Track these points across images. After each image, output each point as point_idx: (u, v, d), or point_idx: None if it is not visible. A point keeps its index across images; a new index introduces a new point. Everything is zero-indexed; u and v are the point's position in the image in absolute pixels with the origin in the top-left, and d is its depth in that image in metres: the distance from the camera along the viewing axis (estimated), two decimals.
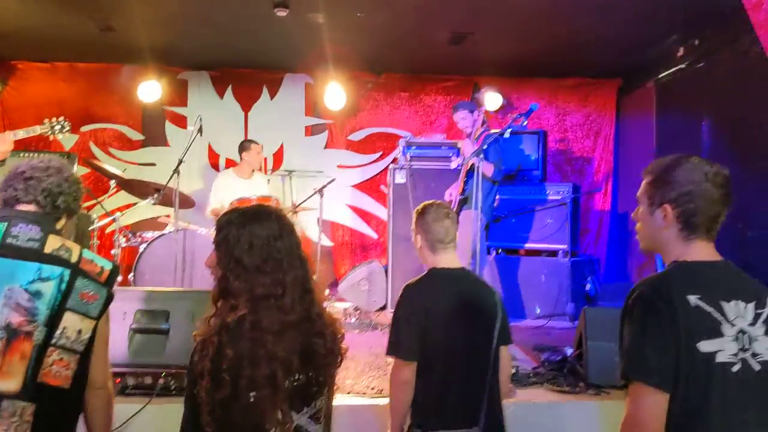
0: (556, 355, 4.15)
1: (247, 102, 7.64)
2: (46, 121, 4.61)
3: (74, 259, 2.00)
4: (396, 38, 6.34)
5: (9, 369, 1.86)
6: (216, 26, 6.06)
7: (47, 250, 1.97)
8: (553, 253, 6.47)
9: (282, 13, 5.45)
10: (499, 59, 6.94)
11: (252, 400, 1.74)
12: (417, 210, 2.77)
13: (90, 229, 6.05)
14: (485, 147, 4.86)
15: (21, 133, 4.41)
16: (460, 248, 5.30)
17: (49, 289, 1.93)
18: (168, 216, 6.29)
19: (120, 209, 6.67)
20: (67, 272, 1.96)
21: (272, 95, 7.67)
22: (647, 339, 1.66)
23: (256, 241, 1.85)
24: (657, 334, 1.65)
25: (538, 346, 4.69)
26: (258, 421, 1.75)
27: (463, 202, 5.43)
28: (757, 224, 4.84)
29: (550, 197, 6.55)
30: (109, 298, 2.06)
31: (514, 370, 3.80)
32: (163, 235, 5.39)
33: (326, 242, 7.59)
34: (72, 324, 1.95)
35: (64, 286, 1.95)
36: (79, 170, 6.43)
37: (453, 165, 5.90)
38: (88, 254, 2.05)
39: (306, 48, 6.60)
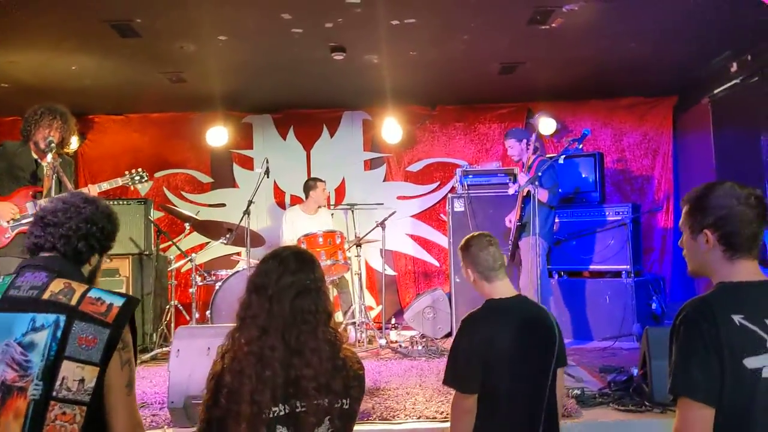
0: (622, 376, 4.19)
1: (308, 141, 7.97)
2: (126, 172, 4.94)
3: (74, 301, 1.84)
4: (448, 72, 6.56)
5: (4, 430, 1.73)
6: (278, 72, 6.42)
7: (45, 296, 1.84)
8: (617, 274, 6.48)
9: (339, 56, 5.76)
10: (551, 84, 7.07)
11: (244, 418, 1.90)
12: (460, 246, 2.82)
13: (168, 269, 6.44)
14: (539, 174, 4.97)
15: (105, 186, 4.70)
16: (523, 274, 5.43)
17: (42, 338, 1.78)
18: (239, 254, 6.62)
19: (194, 249, 7.07)
20: (62, 318, 1.81)
21: (332, 133, 7.98)
22: (692, 357, 1.76)
23: (255, 280, 2.08)
24: (701, 352, 1.75)
25: (605, 368, 4.73)
26: None
27: (522, 229, 5.53)
28: None
29: (610, 218, 6.58)
30: (113, 340, 1.84)
31: (579, 392, 3.87)
32: (236, 272, 5.68)
33: (390, 272, 7.78)
34: (71, 373, 1.78)
35: (59, 333, 1.79)
36: (154, 214, 6.85)
37: (510, 191, 6.04)
38: (95, 293, 1.89)
39: (363, 86, 6.90)
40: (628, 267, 6.37)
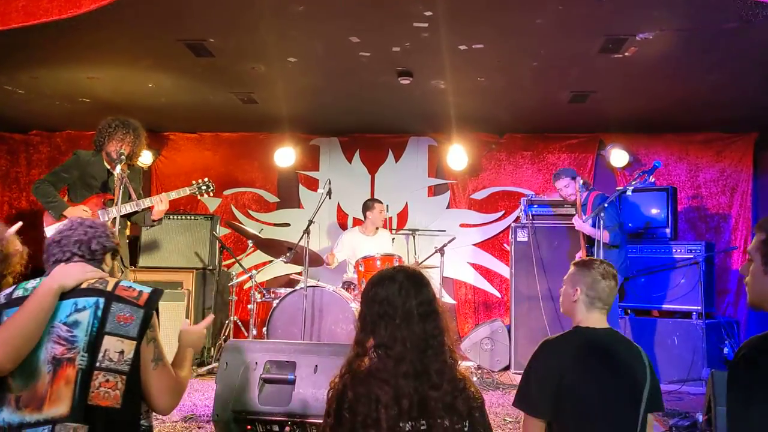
0: (686, 421, 3.97)
1: (373, 165, 8.01)
2: (193, 182, 5.06)
3: (110, 288, 2.13)
4: (516, 100, 6.47)
5: (57, 395, 1.97)
6: (345, 95, 6.49)
7: (83, 285, 2.13)
8: (687, 315, 6.16)
9: (406, 81, 5.76)
10: (624, 115, 6.87)
11: None
12: (581, 262, 2.72)
13: (229, 285, 6.54)
14: (602, 214, 4.86)
15: (173, 194, 4.86)
16: None
17: (85, 317, 2.05)
18: (300, 273, 6.67)
19: (256, 267, 7.17)
20: (101, 300, 2.09)
21: (397, 158, 7.99)
22: (753, 401, 1.62)
23: (377, 299, 2.08)
24: (763, 395, 1.61)
25: (668, 412, 4.49)
26: None
27: None
28: None
29: (682, 256, 6.29)
30: (147, 318, 2.12)
31: None
32: (293, 291, 5.71)
33: (449, 300, 7.67)
34: (112, 346, 2.04)
35: (99, 312, 2.06)
36: (220, 231, 6.99)
37: (576, 226, 5.82)
38: (126, 283, 2.19)
39: (429, 112, 6.88)
40: (700, 308, 6.05)
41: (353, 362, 2.06)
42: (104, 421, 1.99)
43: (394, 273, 2.14)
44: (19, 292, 2.14)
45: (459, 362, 2.11)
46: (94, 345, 2.03)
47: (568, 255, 6.10)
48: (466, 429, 2.02)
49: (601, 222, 5.08)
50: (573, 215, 6.26)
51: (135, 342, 2.07)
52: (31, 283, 2.15)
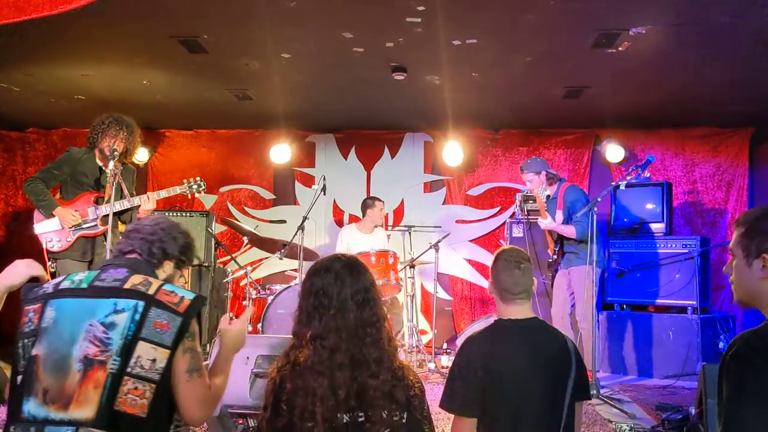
0: (678, 414, 3.97)
1: (369, 161, 8.01)
2: (184, 181, 5.04)
3: (152, 291, 2.08)
4: (511, 95, 6.47)
5: (84, 398, 1.94)
6: (340, 91, 6.49)
7: (127, 286, 2.09)
8: (682, 310, 6.17)
9: (400, 76, 5.76)
10: (619, 111, 6.87)
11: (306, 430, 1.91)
12: (495, 255, 2.63)
13: (225, 281, 6.55)
14: (570, 207, 4.93)
15: (163, 193, 4.83)
16: (558, 305, 5.31)
17: (122, 320, 2.00)
18: (296, 270, 6.67)
19: (253, 263, 7.17)
20: (141, 303, 2.03)
21: (393, 154, 7.99)
22: (745, 397, 1.60)
23: (312, 290, 2.10)
24: (755, 392, 1.59)
25: (661, 405, 4.50)
26: None
27: (554, 264, 5.39)
28: None
29: (677, 251, 6.29)
30: (184, 327, 2.06)
31: (628, 428, 3.68)
32: (288, 287, 5.72)
33: (446, 296, 7.68)
34: (145, 353, 1.99)
35: (137, 316, 2.01)
36: (216, 228, 6.99)
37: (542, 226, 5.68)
38: (169, 287, 2.13)
39: (424, 108, 6.88)
40: (695, 303, 6.05)
41: (290, 354, 2.06)
42: (128, 429, 1.96)
43: (330, 262, 2.14)
44: (66, 283, 2.13)
45: (398, 350, 2.10)
46: (127, 350, 1.98)
47: None
48: (404, 420, 2.01)
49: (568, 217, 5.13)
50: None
51: (169, 351, 2.02)
52: (79, 276, 2.14)
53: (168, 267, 2.33)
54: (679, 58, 5.31)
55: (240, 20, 4.73)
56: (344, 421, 1.95)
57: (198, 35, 5.00)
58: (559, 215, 5.47)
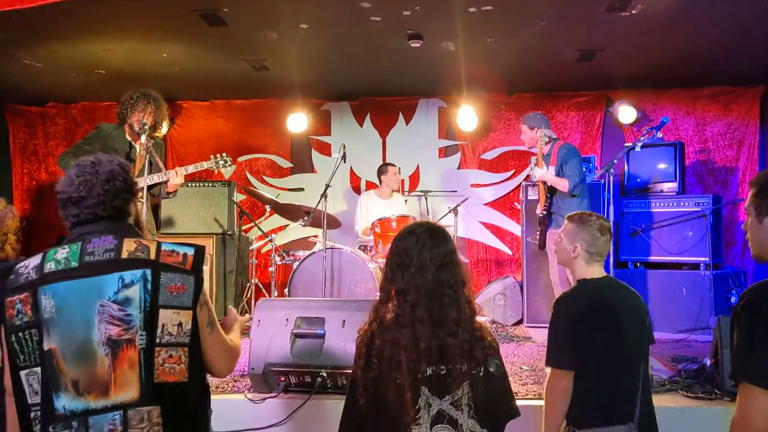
0: (694, 365, 4.14)
1: (384, 128, 8.11)
2: (211, 156, 5.18)
3: (153, 255, 1.97)
4: (525, 60, 6.55)
5: (124, 380, 1.88)
6: (356, 60, 6.59)
7: (124, 255, 1.95)
8: (695, 266, 6.33)
9: (416, 44, 5.86)
10: (631, 73, 6.94)
11: (397, 381, 2.10)
12: (578, 217, 2.85)
13: (249, 249, 6.73)
14: (563, 163, 5.11)
15: (191, 168, 4.96)
16: (552, 266, 5.41)
17: (135, 293, 1.91)
18: (316, 236, 6.86)
19: (274, 231, 7.36)
20: (148, 271, 1.93)
21: (407, 120, 8.10)
22: (755, 342, 1.72)
23: (396, 250, 2.26)
24: (765, 337, 1.71)
25: (677, 357, 4.68)
26: (399, 400, 2.09)
27: (548, 219, 5.44)
28: None
29: (690, 209, 6.43)
30: (199, 283, 2.01)
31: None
32: (313, 253, 5.89)
33: (463, 259, 7.82)
34: (170, 319, 1.94)
35: (149, 285, 1.92)
36: (237, 197, 7.16)
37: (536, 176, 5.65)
38: (166, 246, 2.02)
39: (439, 74, 6.97)
40: (707, 259, 6.21)
41: (378, 308, 2.24)
42: (174, 396, 1.93)
43: (415, 227, 2.31)
44: (51, 265, 1.95)
45: (477, 313, 2.25)
46: (150, 321, 1.91)
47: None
48: (481, 374, 2.17)
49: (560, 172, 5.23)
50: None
51: (191, 311, 1.97)
52: (61, 253, 1.96)
53: (133, 209, 2.15)
54: (691, 18, 5.36)
55: None
56: (428, 373, 2.12)
57: (218, 8, 5.10)
58: (552, 171, 5.47)
